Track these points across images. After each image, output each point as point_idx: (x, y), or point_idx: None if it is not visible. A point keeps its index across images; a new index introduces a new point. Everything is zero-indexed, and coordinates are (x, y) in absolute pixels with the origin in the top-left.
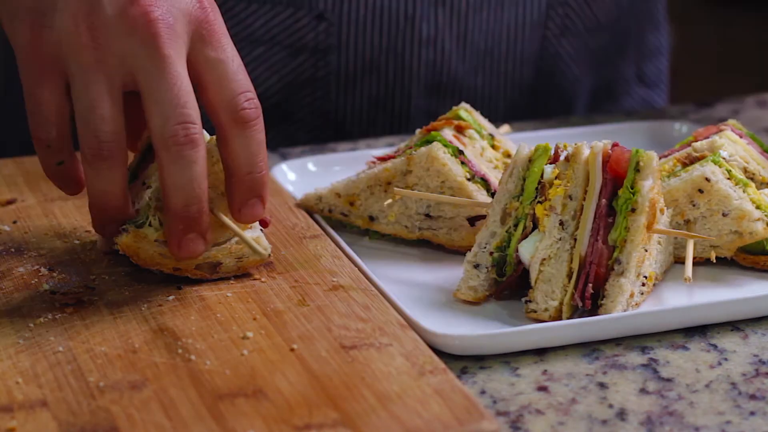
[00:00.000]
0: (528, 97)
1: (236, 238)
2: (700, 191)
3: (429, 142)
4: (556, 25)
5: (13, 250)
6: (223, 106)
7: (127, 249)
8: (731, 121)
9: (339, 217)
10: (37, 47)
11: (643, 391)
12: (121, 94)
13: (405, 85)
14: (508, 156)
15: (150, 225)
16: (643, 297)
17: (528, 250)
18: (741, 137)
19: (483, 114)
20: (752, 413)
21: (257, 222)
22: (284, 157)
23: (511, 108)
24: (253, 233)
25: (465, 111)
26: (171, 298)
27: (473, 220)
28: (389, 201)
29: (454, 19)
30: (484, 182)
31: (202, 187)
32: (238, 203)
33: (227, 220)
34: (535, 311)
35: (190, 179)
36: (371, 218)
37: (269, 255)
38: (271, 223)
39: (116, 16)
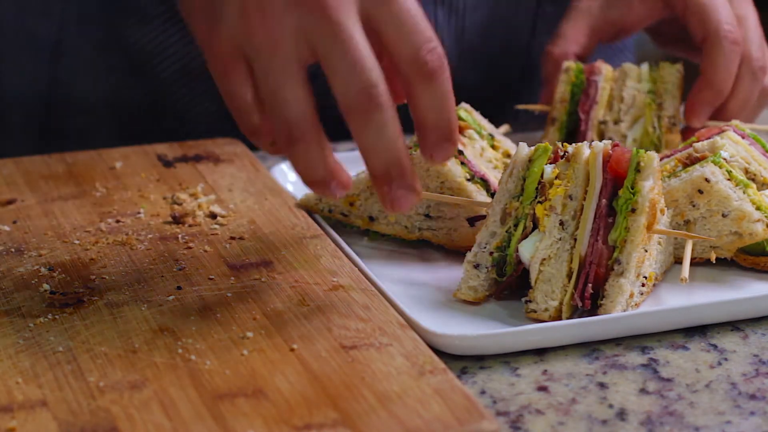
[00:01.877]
0: (513, 93)
1: None
2: (700, 192)
3: None
4: (543, 22)
5: (13, 250)
6: (406, 60)
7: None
8: (734, 122)
9: (339, 217)
10: (216, 43)
11: (643, 391)
12: (304, 71)
13: None
14: (508, 156)
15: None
16: (642, 297)
17: (528, 250)
18: (743, 138)
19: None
20: (752, 413)
21: None
22: (284, 158)
23: (499, 105)
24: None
25: (465, 111)
26: (171, 298)
27: (473, 220)
28: None
29: (453, 17)
30: (484, 182)
31: (398, 148)
32: (429, 148)
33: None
34: (535, 311)
35: (385, 143)
36: (371, 218)
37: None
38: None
39: None
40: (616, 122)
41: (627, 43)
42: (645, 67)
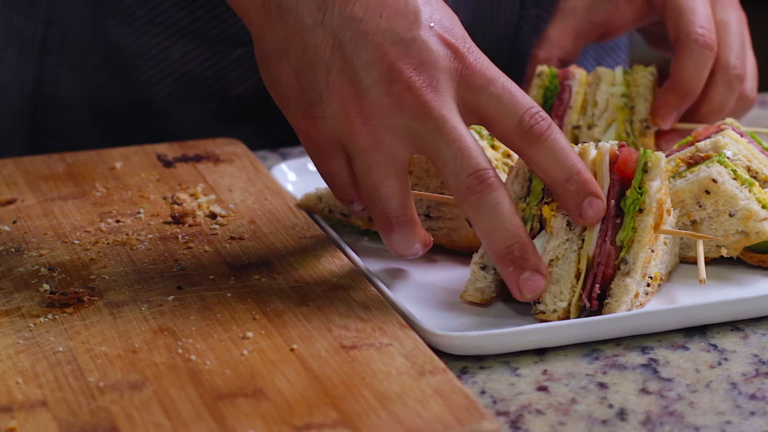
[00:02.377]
0: None
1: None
2: (707, 192)
3: None
4: (528, 24)
5: (13, 250)
6: (513, 133)
7: None
8: (729, 120)
9: (339, 217)
10: (315, 135)
11: (643, 391)
12: (405, 165)
13: None
14: (508, 156)
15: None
16: (647, 297)
17: None
18: (742, 136)
19: None
20: (752, 413)
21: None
22: (284, 157)
23: None
24: None
25: None
26: (171, 298)
27: None
28: None
29: None
30: None
31: (515, 224)
32: (575, 209)
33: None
34: (544, 312)
35: (502, 222)
36: (371, 218)
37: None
38: None
39: (382, 95)
40: (590, 127)
41: (620, 42)
42: (619, 70)
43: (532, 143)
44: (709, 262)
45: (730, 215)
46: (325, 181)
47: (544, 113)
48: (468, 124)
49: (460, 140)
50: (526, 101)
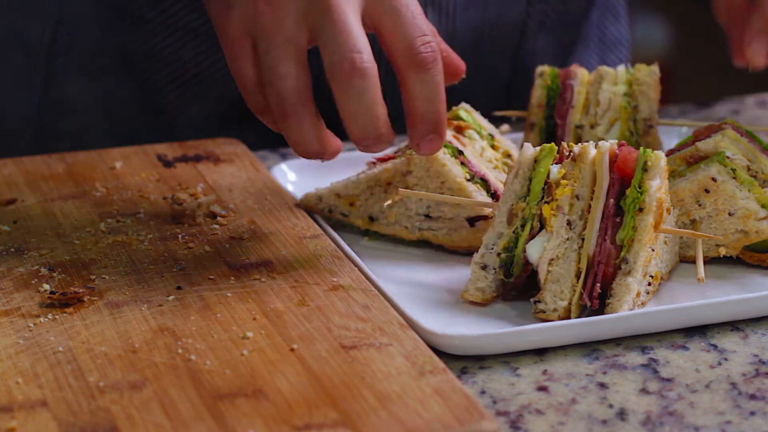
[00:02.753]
0: (503, 94)
1: None
2: (707, 191)
3: None
4: (534, 21)
5: (13, 250)
6: (400, 51)
7: None
8: (730, 120)
9: (339, 217)
10: (228, 25)
11: (643, 391)
12: (303, 52)
13: (397, 85)
14: (508, 156)
15: None
16: (648, 296)
17: (536, 251)
18: (742, 135)
19: None
20: (752, 413)
21: None
22: (284, 157)
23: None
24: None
25: (464, 111)
26: (171, 298)
27: (473, 221)
28: (389, 202)
29: (443, 18)
30: (484, 182)
31: (377, 114)
32: (417, 138)
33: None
34: (544, 311)
35: (364, 109)
36: (371, 219)
37: None
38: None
39: None
40: (593, 126)
41: (622, 38)
42: (621, 69)
43: (413, 69)
44: (708, 261)
45: (730, 214)
46: (238, 84)
47: (435, 45)
48: (366, 30)
49: (349, 30)
50: (423, 26)
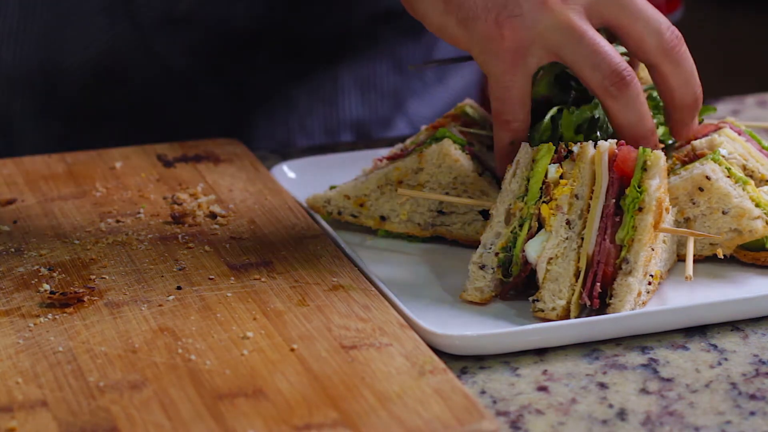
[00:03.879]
0: None
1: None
2: (701, 189)
3: (438, 139)
4: None
5: (13, 250)
6: (651, 47)
7: None
8: (729, 119)
9: (349, 218)
10: (510, 36)
11: (643, 391)
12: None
13: None
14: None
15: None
16: (649, 296)
17: (535, 250)
18: (739, 134)
19: None
20: (752, 413)
21: None
22: (284, 157)
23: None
24: None
25: (470, 108)
26: (171, 298)
27: (487, 213)
28: (404, 199)
29: None
30: (495, 176)
31: (649, 119)
32: (680, 125)
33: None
34: (543, 310)
35: (638, 115)
36: (382, 218)
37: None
38: None
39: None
40: None
41: None
42: None
43: (669, 60)
44: (702, 260)
45: (724, 213)
46: (497, 100)
47: (678, 31)
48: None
49: (598, 45)
50: (660, 16)
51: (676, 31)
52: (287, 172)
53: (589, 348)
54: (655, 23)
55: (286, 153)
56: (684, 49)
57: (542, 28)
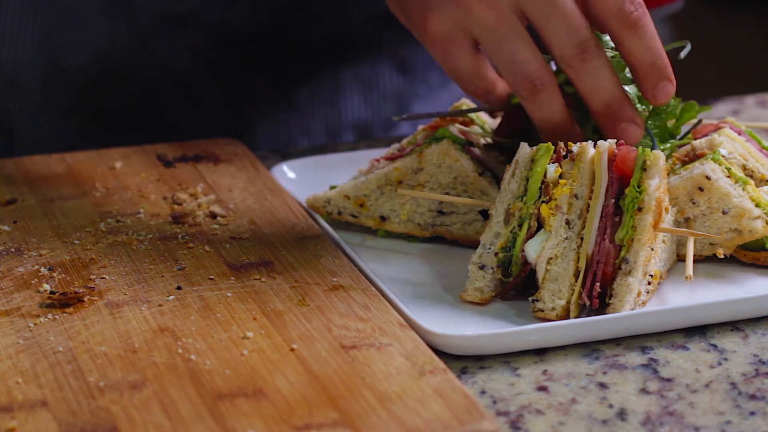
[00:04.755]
0: None
1: None
2: (701, 189)
3: (438, 139)
4: None
5: (13, 250)
6: (612, 15)
7: None
8: (729, 119)
9: (349, 219)
10: (436, 29)
11: (643, 391)
12: (525, 31)
13: None
14: None
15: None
16: (649, 295)
17: (534, 250)
18: (739, 134)
19: None
20: (752, 413)
21: None
22: (284, 157)
23: None
24: None
25: (467, 107)
26: (171, 298)
27: (487, 213)
28: (404, 199)
29: None
30: (495, 176)
31: (615, 83)
32: (651, 90)
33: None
34: (542, 310)
35: (603, 83)
36: (382, 218)
37: None
38: None
39: None
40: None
41: None
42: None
43: (629, 28)
44: (702, 260)
45: (724, 213)
46: (454, 79)
47: (641, 1)
48: None
49: (567, 11)
50: None
51: (639, 2)
52: (287, 172)
53: (589, 348)
54: None
55: (286, 153)
56: (647, 20)
57: None
